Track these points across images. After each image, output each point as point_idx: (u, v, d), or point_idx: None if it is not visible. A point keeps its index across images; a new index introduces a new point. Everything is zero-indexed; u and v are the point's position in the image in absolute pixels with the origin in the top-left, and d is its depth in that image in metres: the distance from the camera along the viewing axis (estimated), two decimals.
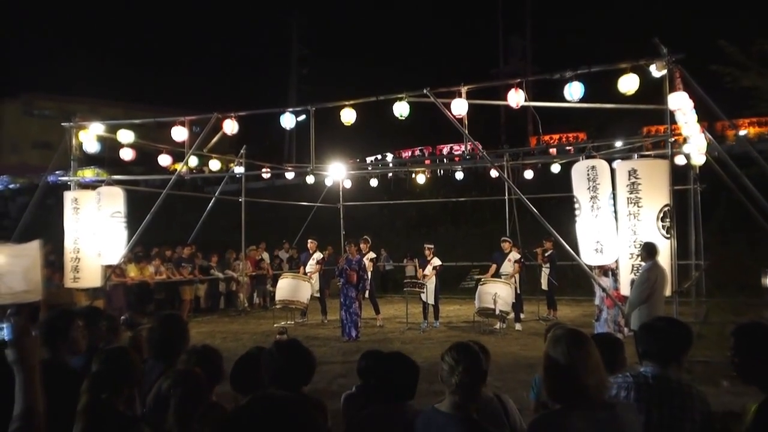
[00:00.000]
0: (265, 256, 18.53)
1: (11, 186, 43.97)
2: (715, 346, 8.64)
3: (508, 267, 13.33)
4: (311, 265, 14.88)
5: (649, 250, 8.34)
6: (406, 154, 34.60)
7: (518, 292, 13.25)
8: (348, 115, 10.98)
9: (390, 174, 28.82)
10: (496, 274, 13.20)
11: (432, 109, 10.63)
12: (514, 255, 13.43)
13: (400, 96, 10.56)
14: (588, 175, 9.77)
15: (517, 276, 13.25)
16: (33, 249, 10.77)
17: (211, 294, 16.95)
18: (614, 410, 2.49)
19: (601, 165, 9.89)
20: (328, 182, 19.01)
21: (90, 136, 12.46)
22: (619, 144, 14.94)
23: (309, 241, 15.18)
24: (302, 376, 3.25)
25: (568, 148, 27.70)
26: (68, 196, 12.47)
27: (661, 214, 9.09)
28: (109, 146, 13.73)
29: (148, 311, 14.11)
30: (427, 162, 30.68)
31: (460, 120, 10.46)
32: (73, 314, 3.75)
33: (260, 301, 17.82)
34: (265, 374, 3.19)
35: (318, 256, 15.06)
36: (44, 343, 3.43)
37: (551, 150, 29.74)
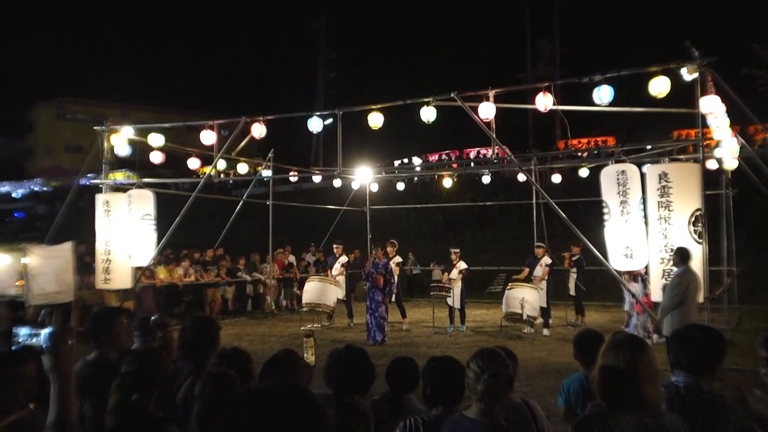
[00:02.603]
0: (292, 259, 18.63)
1: (45, 188, 44.85)
2: (747, 353, 8.47)
3: (539, 272, 13.26)
4: (336, 269, 14.95)
5: (682, 255, 8.21)
6: (433, 157, 34.42)
7: (548, 297, 13.15)
8: (375, 119, 10.98)
9: (416, 178, 28.77)
10: (528, 279, 13.15)
11: (459, 113, 10.60)
12: (546, 260, 13.33)
13: (427, 100, 10.53)
14: (618, 179, 9.67)
15: (545, 282, 13.17)
16: (65, 250, 10.96)
17: (238, 296, 17.04)
18: (662, 419, 2.45)
19: (631, 169, 9.77)
20: (355, 186, 19.03)
21: (121, 140, 12.58)
22: (649, 148, 14.77)
23: (334, 246, 15.23)
24: (361, 386, 3.30)
25: (596, 152, 27.44)
26: (100, 199, 12.65)
27: (693, 219, 8.95)
28: (140, 149, 13.91)
29: (176, 313, 14.28)
30: (454, 166, 30.45)
31: (488, 124, 10.40)
32: (118, 312, 3.82)
33: (287, 303, 17.89)
34: (328, 375, 3.26)
35: (344, 259, 15.08)
36: (90, 340, 3.52)
37: (580, 154, 29.48)
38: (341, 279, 14.84)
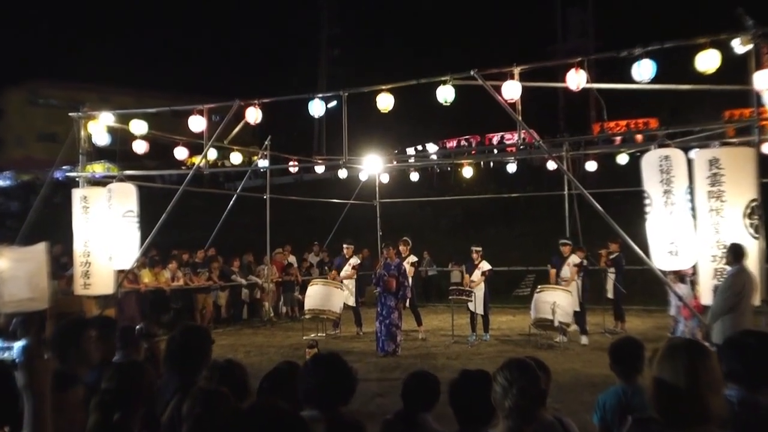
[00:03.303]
0: (293, 259, 18.66)
1: (16, 182, 45.12)
2: None
3: (566, 272, 13.27)
4: (346, 271, 14.96)
5: (735, 253, 8.15)
6: (451, 144, 34.42)
7: (581, 300, 13.16)
8: (385, 101, 10.96)
9: (433, 167, 28.76)
10: (555, 281, 13.18)
11: (480, 94, 10.56)
12: (574, 259, 13.32)
13: (443, 78, 10.51)
14: (660, 166, 9.58)
15: (577, 283, 13.15)
16: (38, 252, 10.95)
17: (232, 302, 17.09)
18: None
19: (676, 155, 9.69)
20: (363, 177, 19.05)
21: (100, 127, 12.65)
22: (696, 130, 14.66)
23: (345, 245, 15.22)
24: (341, 394, 3.25)
25: (637, 136, 27.29)
26: (77, 194, 12.67)
27: (748, 211, 8.86)
28: (121, 138, 13.97)
29: (164, 321, 14.37)
30: (475, 153, 30.48)
31: (513, 105, 10.36)
32: (86, 323, 3.83)
33: (287, 310, 17.95)
34: (301, 389, 3.21)
35: (354, 261, 15.13)
36: (55, 355, 3.51)
37: (617, 138, 29.33)
38: (350, 283, 14.89)
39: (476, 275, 13.37)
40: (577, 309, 12.88)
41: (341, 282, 14.58)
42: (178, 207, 12.12)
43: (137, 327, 4.74)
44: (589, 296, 13.73)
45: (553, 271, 13.47)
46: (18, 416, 2.28)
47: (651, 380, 2.45)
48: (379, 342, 12.11)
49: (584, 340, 12.83)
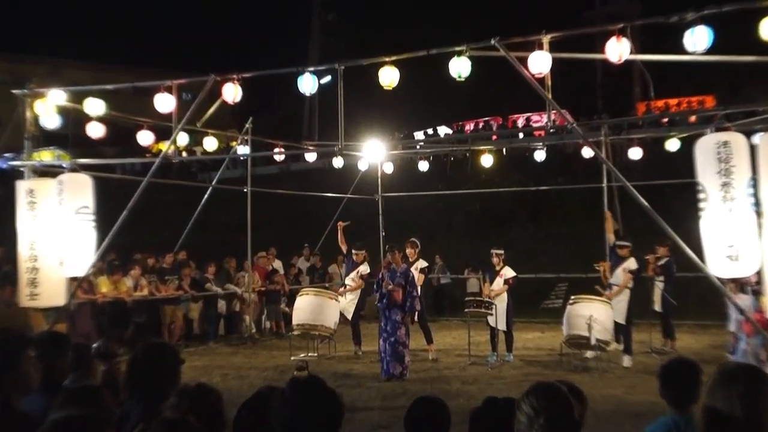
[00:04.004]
0: (279, 265, 18.67)
1: None
2: None
3: (620, 278, 13.32)
4: (352, 279, 14.93)
5: None
6: (468, 127, 34.44)
7: (629, 314, 13.20)
8: (388, 76, 10.95)
9: (446, 154, 28.73)
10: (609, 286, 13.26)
11: (503, 67, 10.54)
12: (632, 264, 13.34)
13: (459, 49, 10.44)
14: (718, 153, 9.55)
15: (627, 291, 13.17)
16: None
17: (207, 316, 17.13)
18: None
19: (737, 140, 9.65)
20: (362, 166, 19.09)
21: (49, 107, 12.58)
22: (760, 111, 14.62)
23: (354, 251, 15.11)
24: (325, 425, 3.14)
25: (689, 117, 27.23)
26: (21, 187, 12.59)
27: None
28: (74, 120, 13.99)
29: (125, 338, 14.38)
30: (496, 138, 30.44)
31: (541, 81, 10.35)
32: (25, 341, 3.82)
33: (272, 325, 18.09)
34: (277, 422, 3.13)
35: (364, 269, 15.04)
36: None
37: (666, 120, 29.27)
38: (354, 295, 14.87)
39: (498, 284, 13.44)
40: (622, 322, 12.93)
41: (344, 290, 14.63)
42: (143, 202, 12.14)
43: (93, 345, 4.75)
44: (634, 309, 13.73)
45: (605, 265, 13.56)
46: None
47: (702, 410, 2.44)
48: (384, 364, 12.13)
49: (627, 361, 12.84)
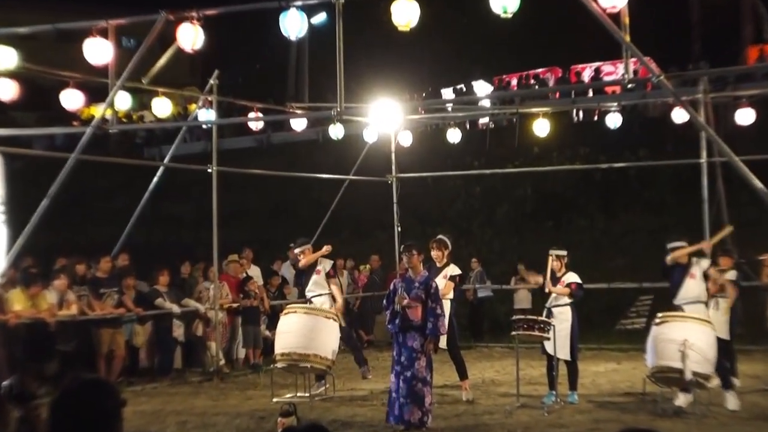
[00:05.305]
0: (256, 272, 18.64)
1: None
2: None
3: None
4: (311, 289, 14.88)
5: None
6: (515, 82, 34.30)
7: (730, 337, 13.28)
8: (405, 12, 10.91)
9: (484, 120, 28.64)
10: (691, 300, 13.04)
11: (560, 2, 10.48)
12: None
13: None
14: None
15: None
16: None
17: (158, 343, 17.24)
18: None
19: None
20: (370, 137, 19.05)
21: None
22: None
23: (297, 251, 15.27)
24: None
25: None
26: None
27: None
28: None
29: (47, 374, 14.43)
30: (556, 97, 30.33)
31: (616, 18, 10.29)
32: None
33: (247, 355, 18.23)
34: None
35: (325, 267, 15.12)
36: None
37: None
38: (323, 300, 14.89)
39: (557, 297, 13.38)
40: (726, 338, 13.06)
41: (341, 309, 14.61)
42: (70, 188, 12.11)
43: (3, 384, 4.72)
44: (739, 329, 13.65)
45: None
46: None
47: None
48: (394, 407, 11.93)
49: (732, 402, 12.71)
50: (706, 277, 13.05)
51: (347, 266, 20.33)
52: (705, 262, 13.21)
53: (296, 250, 15.34)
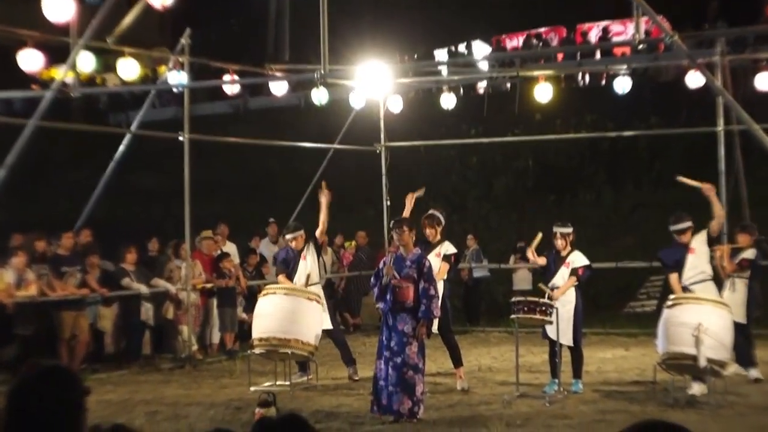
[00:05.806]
0: (231, 249, 18.89)
1: None
2: None
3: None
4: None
5: None
6: (513, 43, 34.47)
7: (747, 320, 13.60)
8: None
9: (482, 83, 28.80)
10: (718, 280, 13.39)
11: None
12: (751, 253, 13.71)
13: None
14: None
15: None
16: None
17: (125, 327, 17.45)
18: None
19: None
20: (357, 102, 19.21)
21: None
22: None
23: (289, 238, 15.14)
24: None
25: None
26: None
27: None
28: None
29: (4, 359, 14.92)
30: (560, 59, 30.59)
31: None
32: None
33: (222, 339, 18.52)
34: None
35: (309, 253, 15.00)
36: None
37: None
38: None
39: (562, 277, 13.59)
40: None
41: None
42: (28, 157, 12.34)
43: None
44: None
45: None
46: None
47: None
48: (381, 396, 12.00)
49: (754, 373, 13.30)
50: (710, 243, 13.16)
51: (336, 243, 20.44)
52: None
53: (288, 236, 15.23)
